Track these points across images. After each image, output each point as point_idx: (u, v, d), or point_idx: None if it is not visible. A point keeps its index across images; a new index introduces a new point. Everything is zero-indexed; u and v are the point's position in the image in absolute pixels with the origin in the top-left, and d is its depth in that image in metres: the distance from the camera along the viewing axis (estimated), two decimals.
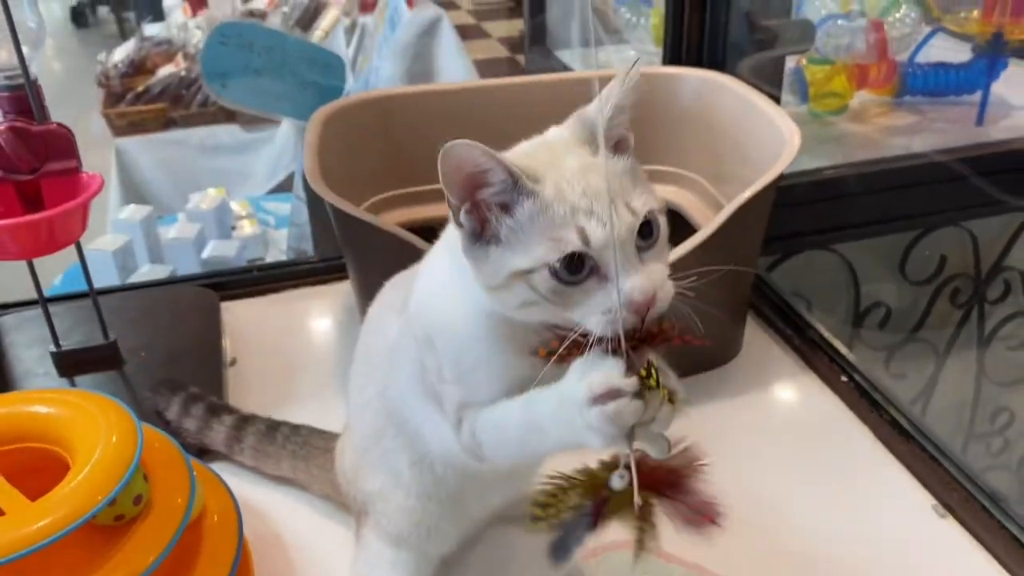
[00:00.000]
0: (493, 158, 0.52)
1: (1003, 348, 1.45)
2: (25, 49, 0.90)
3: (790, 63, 1.72)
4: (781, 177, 0.98)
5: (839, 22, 1.82)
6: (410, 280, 0.67)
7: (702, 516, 0.55)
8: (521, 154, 0.57)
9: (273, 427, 0.92)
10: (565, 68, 2.45)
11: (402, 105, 1.18)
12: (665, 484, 0.54)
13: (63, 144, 0.92)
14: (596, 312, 0.52)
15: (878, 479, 0.94)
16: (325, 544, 0.86)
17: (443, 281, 0.61)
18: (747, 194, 0.96)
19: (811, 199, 1.44)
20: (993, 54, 1.78)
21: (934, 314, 1.46)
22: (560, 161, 0.55)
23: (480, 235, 0.55)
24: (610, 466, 0.55)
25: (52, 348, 1.05)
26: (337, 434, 0.86)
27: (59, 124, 0.93)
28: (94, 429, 0.70)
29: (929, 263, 1.50)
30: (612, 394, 0.51)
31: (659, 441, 0.54)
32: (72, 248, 0.98)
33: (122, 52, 3.17)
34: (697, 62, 1.38)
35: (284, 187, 2.73)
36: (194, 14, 3.23)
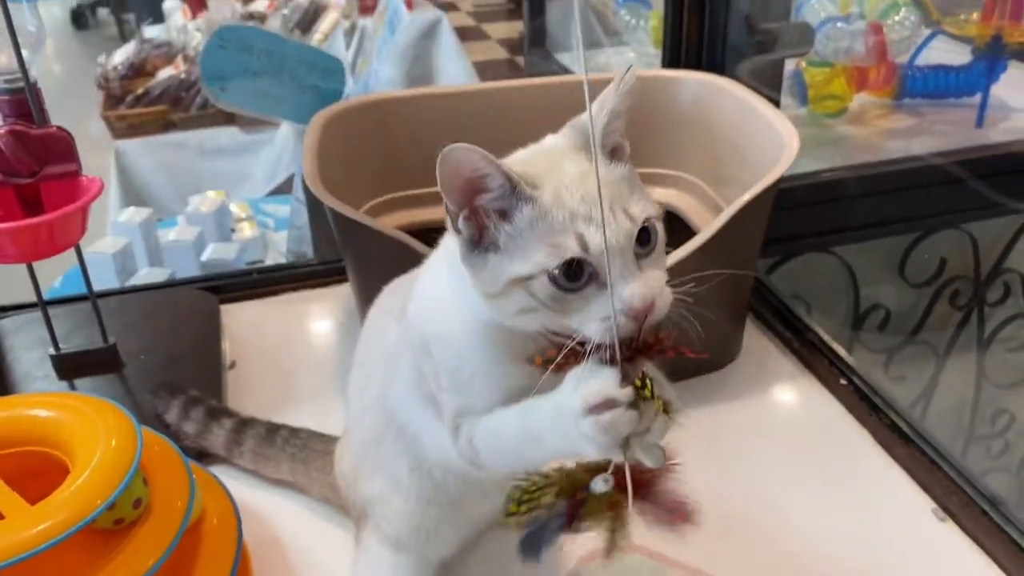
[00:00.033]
0: (492, 163, 0.52)
1: (1003, 350, 1.45)
2: (25, 52, 0.90)
3: (789, 66, 1.72)
4: (780, 180, 0.98)
5: (838, 25, 1.82)
6: (408, 285, 0.67)
7: (675, 516, 0.55)
8: (518, 161, 0.57)
9: (272, 430, 0.92)
10: (565, 70, 2.45)
11: (401, 108, 1.19)
12: (639, 485, 0.55)
13: (63, 147, 0.92)
14: (595, 319, 0.52)
15: (878, 482, 0.94)
16: (324, 547, 0.86)
17: (441, 290, 0.61)
18: (746, 197, 0.96)
19: (811, 201, 1.44)
20: (992, 56, 1.78)
21: (934, 316, 1.46)
22: (558, 167, 0.55)
23: (478, 242, 0.55)
24: (590, 468, 0.55)
25: (52, 351, 1.05)
26: (337, 437, 0.86)
27: (59, 127, 0.92)
28: (93, 433, 0.70)
29: (929, 265, 1.50)
30: (607, 404, 0.51)
31: (654, 451, 0.54)
32: (72, 250, 0.98)
33: (122, 54, 3.18)
34: (696, 65, 1.38)
35: (283, 189, 2.74)
36: (194, 16, 3.24)
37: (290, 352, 1.17)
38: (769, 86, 1.46)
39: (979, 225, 1.54)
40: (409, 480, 0.72)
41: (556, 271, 0.52)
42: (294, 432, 0.92)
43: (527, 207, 0.53)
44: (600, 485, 0.54)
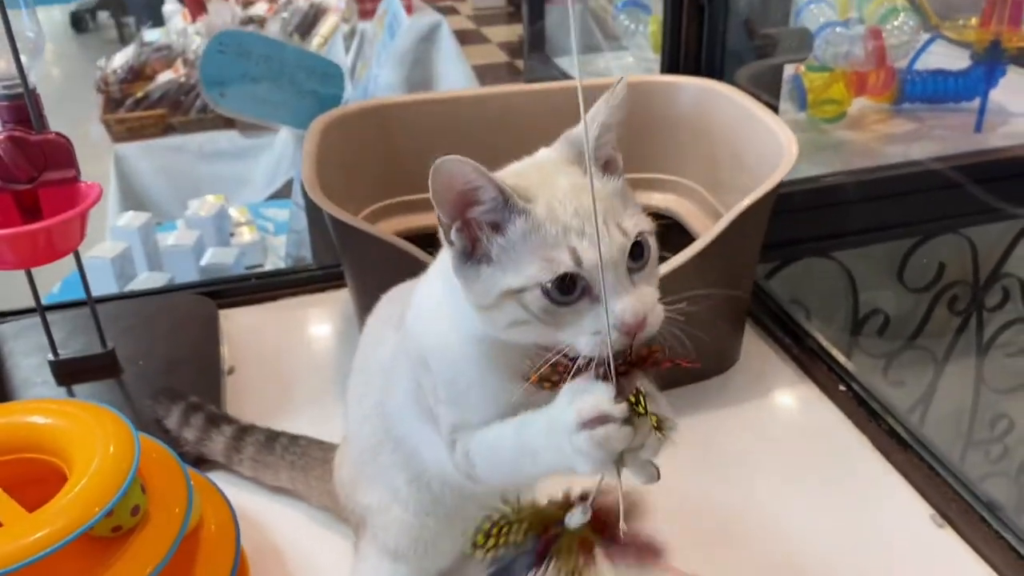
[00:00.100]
0: (484, 175, 0.52)
1: (1002, 355, 1.45)
2: (24, 58, 0.90)
3: (788, 70, 1.72)
4: (780, 185, 0.98)
5: (837, 30, 1.82)
6: (407, 294, 0.67)
7: (646, 556, 0.55)
8: (511, 173, 0.57)
9: (272, 437, 0.92)
10: (564, 75, 2.45)
11: (400, 114, 1.19)
12: (609, 525, 0.55)
13: (61, 153, 0.92)
14: (587, 332, 0.52)
15: (877, 489, 0.94)
16: (323, 555, 0.86)
17: (437, 303, 0.61)
18: (746, 202, 0.96)
19: (810, 206, 1.44)
20: (991, 61, 1.78)
21: (933, 321, 1.46)
22: (551, 180, 0.55)
23: (471, 254, 0.55)
24: (562, 505, 0.55)
25: (50, 357, 1.05)
26: (336, 445, 0.86)
27: (57, 133, 0.92)
28: (91, 440, 0.70)
29: (928, 270, 1.50)
30: (601, 419, 0.51)
31: (647, 468, 0.54)
32: (71, 255, 0.98)
33: (121, 58, 3.18)
34: (695, 70, 1.38)
35: (283, 193, 2.74)
36: (193, 20, 3.24)
37: (289, 357, 1.17)
38: (768, 91, 1.46)
39: (978, 230, 1.54)
40: (408, 491, 0.72)
41: (549, 285, 0.52)
42: (293, 439, 0.92)
43: (520, 220, 0.53)
44: (578, 517, 0.54)
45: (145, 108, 2.99)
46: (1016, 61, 1.82)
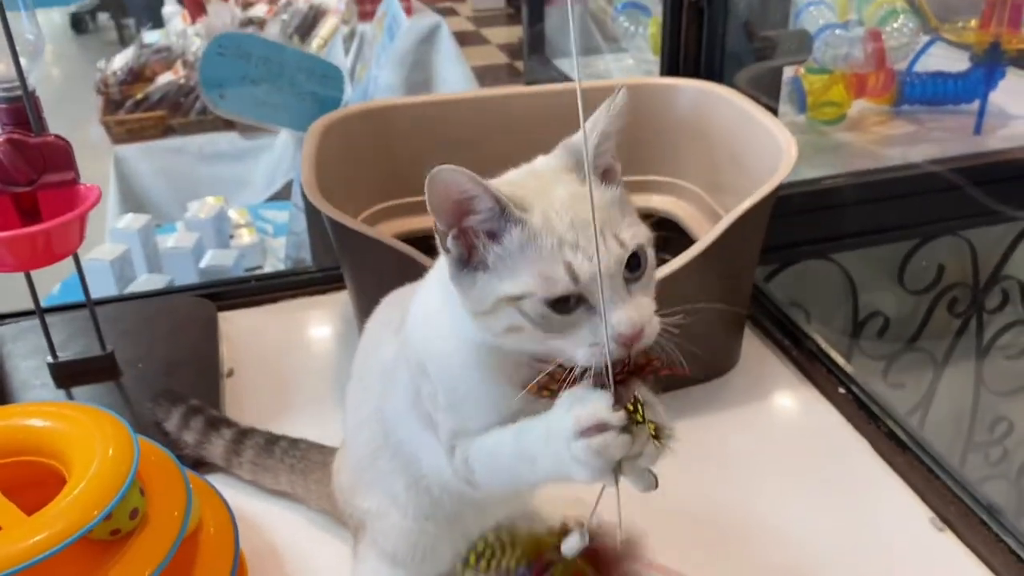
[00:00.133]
0: (479, 185, 0.52)
1: (1001, 357, 1.45)
2: (23, 61, 0.90)
3: (788, 73, 1.72)
4: (779, 188, 0.98)
5: (837, 32, 1.82)
6: (406, 299, 0.67)
7: None
8: (508, 182, 0.57)
9: (272, 441, 0.92)
10: (564, 77, 2.45)
11: (400, 116, 1.19)
12: (605, 563, 0.54)
13: (61, 156, 0.92)
14: (584, 344, 0.52)
15: (876, 491, 0.94)
16: (322, 559, 0.86)
17: (436, 310, 0.61)
18: (745, 205, 0.96)
19: (809, 208, 1.44)
20: (991, 63, 1.78)
21: (932, 323, 1.47)
22: (548, 190, 0.55)
23: (467, 261, 0.55)
24: (557, 533, 0.55)
25: (49, 359, 1.05)
26: (335, 449, 0.86)
27: (57, 136, 0.92)
28: (90, 443, 0.70)
29: (927, 273, 1.50)
30: (599, 427, 0.51)
31: (645, 476, 0.54)
32: (70, 257, 0.98)
33: (121, 59, 3.18)
34: (695, 72, 1.38)
35: (282, 195, 2.74)
36: (193, 22, 3.24)
37: (288, 359, 1.17)
38: (767, 93, 1.46)
39: (977, 232, 1.55)
40: (406, 496, 0.72)
41: (546, 301, 0.52)
42: (293, 443, 0.92)
43: (516, 229, 0.53)
44: (574, 543, 0.54)
45: (145, 110, 2.99)
46: (1016, 63, 1.82)
